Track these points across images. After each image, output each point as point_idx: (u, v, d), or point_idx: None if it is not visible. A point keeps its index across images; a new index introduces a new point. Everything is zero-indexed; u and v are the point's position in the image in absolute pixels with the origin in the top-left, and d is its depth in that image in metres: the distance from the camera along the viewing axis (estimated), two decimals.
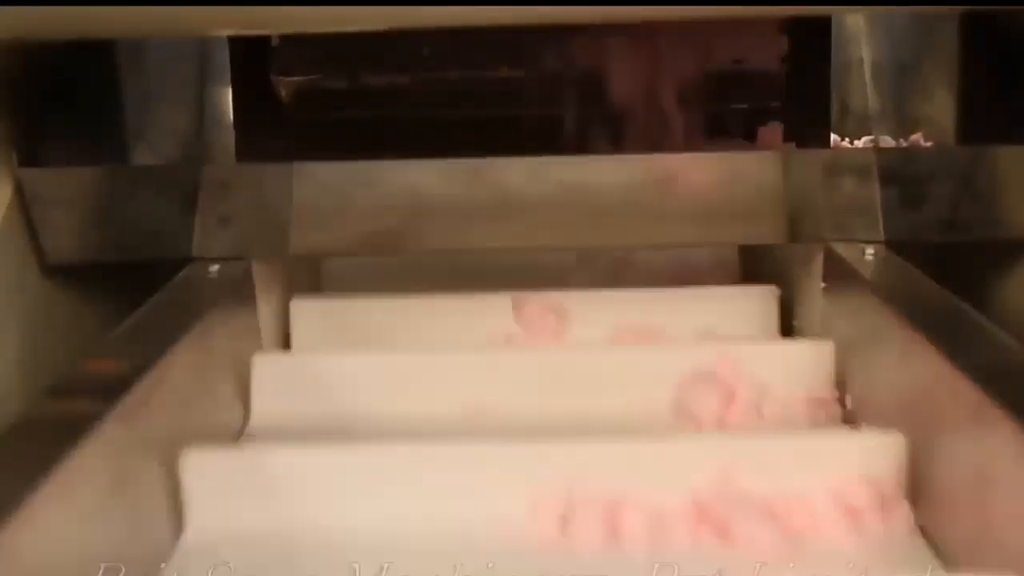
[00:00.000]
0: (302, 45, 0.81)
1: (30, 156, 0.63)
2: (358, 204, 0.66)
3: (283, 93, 0.80)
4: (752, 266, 0.79)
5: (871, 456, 0.53)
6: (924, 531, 0.51)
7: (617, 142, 0.80)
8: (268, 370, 0.62)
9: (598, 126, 0.80)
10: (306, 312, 0.68)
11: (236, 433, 0.61)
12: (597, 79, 0.80)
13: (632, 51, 0.80)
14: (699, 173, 0.66)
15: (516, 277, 0.73)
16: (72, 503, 0.42)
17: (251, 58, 0.82)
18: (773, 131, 0.77)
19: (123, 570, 0.38)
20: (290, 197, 0.65)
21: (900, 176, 0.64)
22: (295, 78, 0.81)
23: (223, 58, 0.84)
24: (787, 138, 0.78)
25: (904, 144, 0.65)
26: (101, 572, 0.38)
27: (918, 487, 0.52)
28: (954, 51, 0.69)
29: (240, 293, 0.65)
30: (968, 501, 0.47)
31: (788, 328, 0.71)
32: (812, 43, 0.79)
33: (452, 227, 0.66)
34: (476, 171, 0.65)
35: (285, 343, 0.71)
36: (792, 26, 0.79)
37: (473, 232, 0.66)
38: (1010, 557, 0.41)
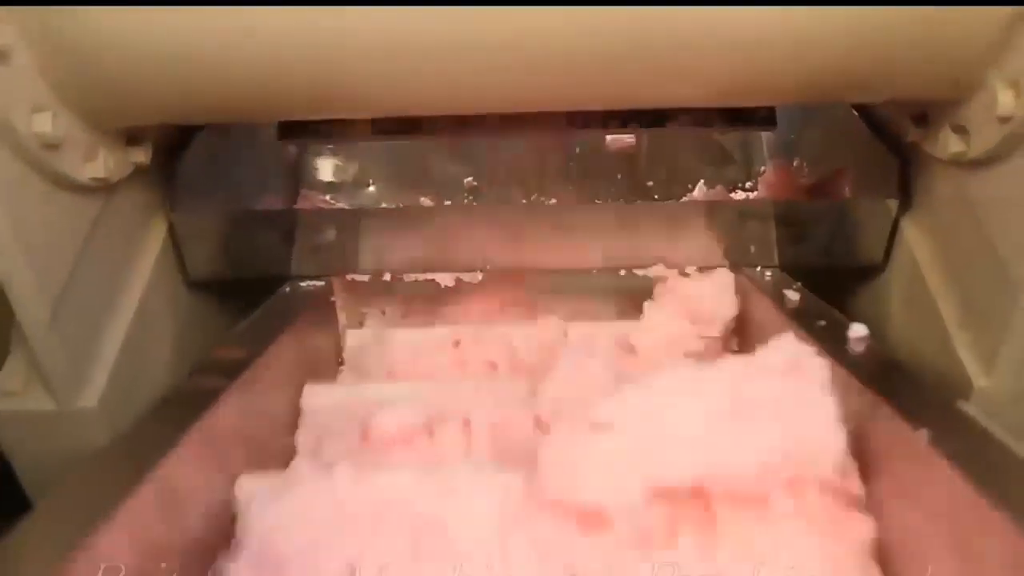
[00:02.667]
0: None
1: (178, 204, 0.63)
2: (406, 239, 0.66)
3: None
4: None
5: None
6: None
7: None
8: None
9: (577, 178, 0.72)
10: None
11: None
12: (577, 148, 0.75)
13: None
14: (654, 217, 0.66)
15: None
16: (209, 450, 0.44)
17: None
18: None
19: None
20: (359, 232, 0.65)
21: (788, 220, 0.64)
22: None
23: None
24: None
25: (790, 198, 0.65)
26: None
27: None
28: (825, 133, 0.68)
29: (322, 302, 0.65)
30: None
31: None
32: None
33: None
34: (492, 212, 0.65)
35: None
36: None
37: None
38: None
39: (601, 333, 0.67)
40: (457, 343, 0.67)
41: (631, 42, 0.47)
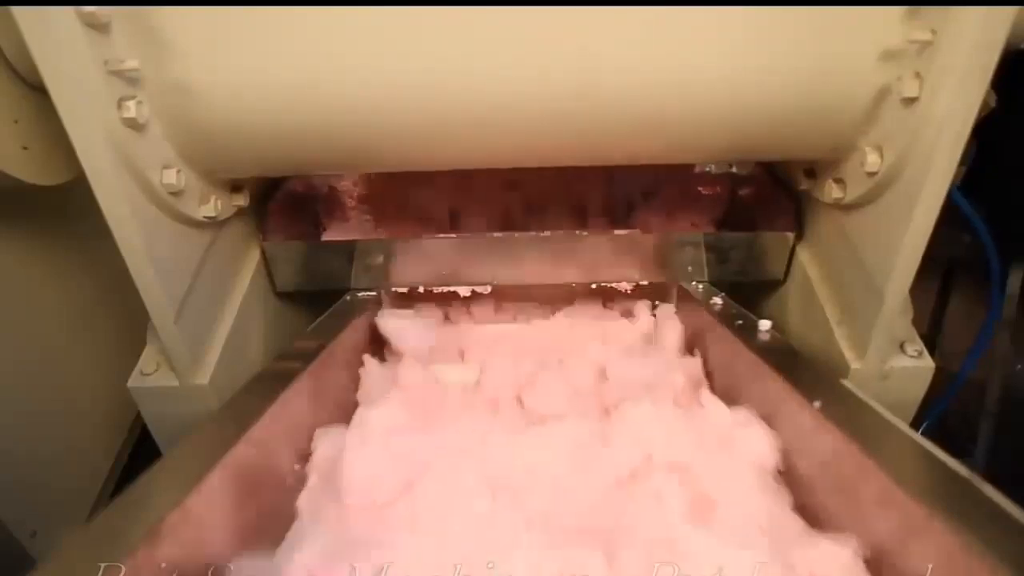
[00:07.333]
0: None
1: (269, 235, 0.62)
2: (434, 262, 0.64)
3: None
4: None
5: None
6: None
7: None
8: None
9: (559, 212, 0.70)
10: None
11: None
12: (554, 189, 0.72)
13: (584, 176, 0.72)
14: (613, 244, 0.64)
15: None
16: (288, 416, 0.43)
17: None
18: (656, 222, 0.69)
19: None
20: (397, 256, 0.63)
21: (714, 247, 0.63)
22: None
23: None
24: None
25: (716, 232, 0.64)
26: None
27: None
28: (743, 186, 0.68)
29: (374, 308, 0.64)
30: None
31: None
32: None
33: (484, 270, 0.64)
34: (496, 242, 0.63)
35: None
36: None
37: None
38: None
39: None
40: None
41: (614, 119, 0.46)
